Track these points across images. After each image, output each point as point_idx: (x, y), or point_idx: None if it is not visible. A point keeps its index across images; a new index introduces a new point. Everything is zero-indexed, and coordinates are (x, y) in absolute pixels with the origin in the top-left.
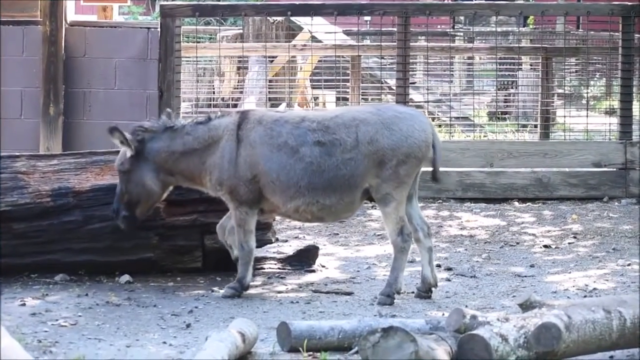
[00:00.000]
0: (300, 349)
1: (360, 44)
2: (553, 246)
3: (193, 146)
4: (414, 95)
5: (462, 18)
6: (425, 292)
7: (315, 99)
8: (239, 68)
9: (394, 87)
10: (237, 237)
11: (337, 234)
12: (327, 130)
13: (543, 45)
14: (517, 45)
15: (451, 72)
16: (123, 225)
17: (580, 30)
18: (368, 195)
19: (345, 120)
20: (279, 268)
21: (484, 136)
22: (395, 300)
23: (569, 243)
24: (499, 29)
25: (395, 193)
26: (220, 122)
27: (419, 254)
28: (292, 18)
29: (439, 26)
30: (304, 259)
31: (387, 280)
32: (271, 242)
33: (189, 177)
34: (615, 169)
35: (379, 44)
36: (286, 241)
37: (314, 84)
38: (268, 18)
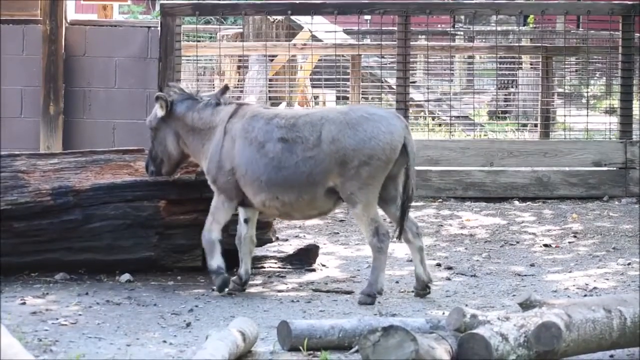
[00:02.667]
0: (301, 347)
1: (360, 43)
2: (553, 245)
3: (197, 125)
4: (415, 95)
5: (462, 17)
6: (422, 289)
7: (316, 98)
8: (239, 67)
9: (394, 86)
10: (206, 223)
11: (338, 233)
12: (292, 128)
13: (543, 45)
14: (517, 44)
15: (451, 71)
16: (152, 179)
17: (580, 29)
18: (338, 195)
19: (313, 119)
20: (279, 267)
21: (484, 135)
22: (376, 300)
23: (569, 242)
24: (499, 28)
25: (359, 194)
26: (222, 109)
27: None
28: (292, 17)
29: (439, 25)
30: (304, 258)
31: (368, 280)
32: (271, 241)
33: (193, 154)
34: (615, 168)
35: (379, 43)
36: (286, 240)
37: (314, 83)
38: (268, 17)
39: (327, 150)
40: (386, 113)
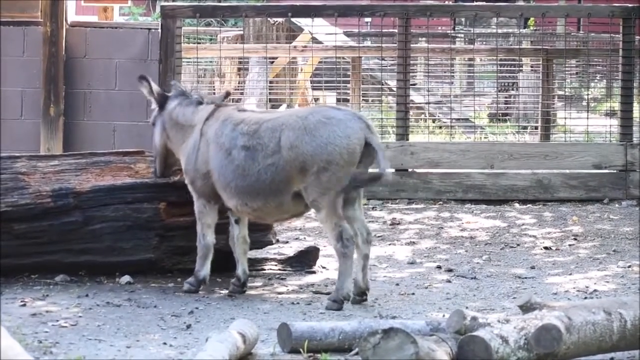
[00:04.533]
0: (301, 350)
1: (360, 45)
2: (553, 248)
3: (180, 121)
4: (415, 97)
5: (462, 19)
6: (359, 295)
7: (316, 100)
8: (239, 69)
9: (395, 89)
10: (197, 229)
11: None
12: (253, 135)
13: (544, 47)
14: (517, 46)
15: (452, 74)
16: (152, 180)
17: (580, 31)
18: None
19: (275, 125)
20: (279, 269)
21: (485, 138)
22: (343, 306)
23: (570, 245)
24: (499, 31)
25: (321, 200)
26: (202, 109)
27: (358, 259)
28: (293, 19)
29: (439, 27)
30: (305, 260)
31: (335, 286)
32: (272, 244)
33: (174, 150)
34: (615, 171)
35: (379, 45)
36: (287, 242)
37: (314, 85)
38: (268, 19)
39: (286, 157)
40: (344, 115)
